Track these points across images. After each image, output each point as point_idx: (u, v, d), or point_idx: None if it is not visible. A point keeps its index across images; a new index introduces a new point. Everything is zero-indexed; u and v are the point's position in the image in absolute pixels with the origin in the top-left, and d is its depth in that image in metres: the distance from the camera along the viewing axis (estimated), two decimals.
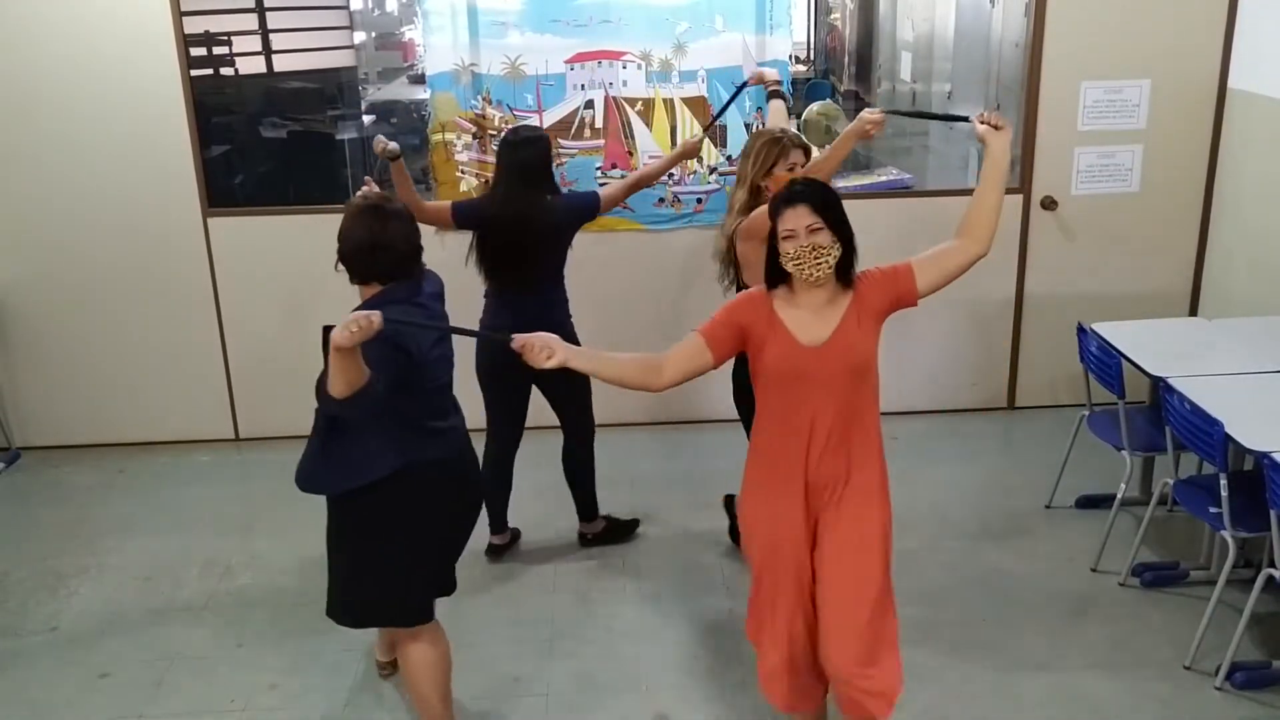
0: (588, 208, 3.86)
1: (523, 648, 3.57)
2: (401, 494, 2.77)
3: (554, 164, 3.91)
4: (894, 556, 3.90)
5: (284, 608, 3.81)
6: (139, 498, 4.68)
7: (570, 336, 3.82)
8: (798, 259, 2.53)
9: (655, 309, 4.98)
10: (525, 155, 3.70)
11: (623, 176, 4.74)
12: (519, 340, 2.46)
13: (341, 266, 2.79)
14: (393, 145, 3.60)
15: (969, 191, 5.59)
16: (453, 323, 2.90)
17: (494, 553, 4.08)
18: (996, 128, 2.71)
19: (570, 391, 3.91)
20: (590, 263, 4.40)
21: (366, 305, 2.71)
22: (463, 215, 3.78)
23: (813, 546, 2.71)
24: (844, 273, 2.60)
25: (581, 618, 3.74)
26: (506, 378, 3.77)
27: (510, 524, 4.14)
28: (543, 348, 2.46)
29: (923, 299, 2.66)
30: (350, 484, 2.76)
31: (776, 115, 4.06)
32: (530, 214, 3.66)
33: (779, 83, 4.23)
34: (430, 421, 2.83)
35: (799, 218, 2.54)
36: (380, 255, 2.73)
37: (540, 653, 3.55)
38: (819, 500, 2.68)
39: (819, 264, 2.53)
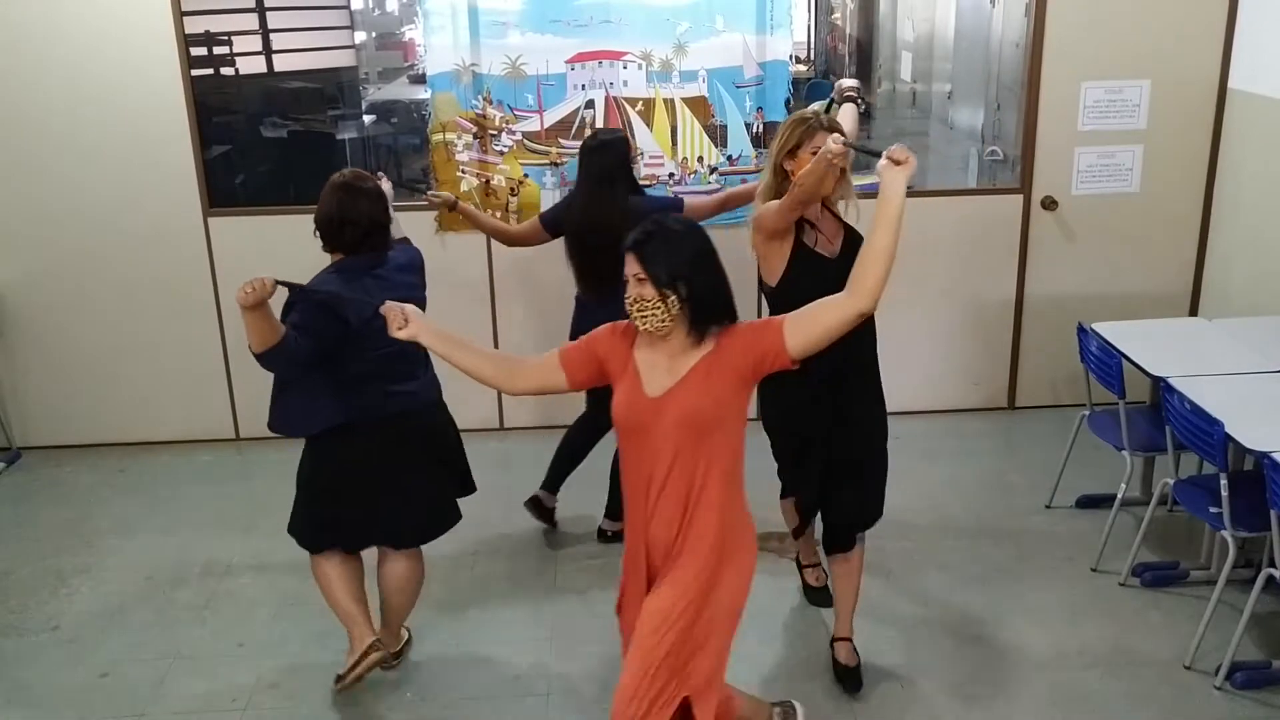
0: (670, 210, 3.81)
1: (523, 648, 3.58)
2: (352, 444, 3.05)
3: (633, 164, 3.93)
4: (893, 556, 3.95)
5: (284, 608, 3.81)
6: (139, 498, 4.68)
7: None
8: (628, 307, 2.41)
9: None
10: (599, 159, 3.77)
11: None
12: (384, 307, 2.53)
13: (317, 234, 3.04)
14: (444, 195, 3.83)
15: (968, 191, 5.62)
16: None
17: (531, 504, 4.18)
18: (898, 162, 2.35)
19: None
20: None
21: (326, 272, 2.97)
22: (551, 224, 3.91)
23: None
24: (696, 328, 2.40)
25: (581, 618, 3.74)
26: None
27: (517, 523, 4.19)
28: (396, 317, 2.49)
29: (801, 357, 2.39)
30: (298, 433, 3.09)
31: (846, 117, 3.91)
32: (606, 215, 3.69)
33: (855, 88, 4.12)
34: (386, 384, 3.05)
35: (630, 265, 2.38)
36: (347, 229, 2.99)
37: (540, 653, 3.55)
38: (655, 559, 2.51)
39: (643, 317, 2.37)
